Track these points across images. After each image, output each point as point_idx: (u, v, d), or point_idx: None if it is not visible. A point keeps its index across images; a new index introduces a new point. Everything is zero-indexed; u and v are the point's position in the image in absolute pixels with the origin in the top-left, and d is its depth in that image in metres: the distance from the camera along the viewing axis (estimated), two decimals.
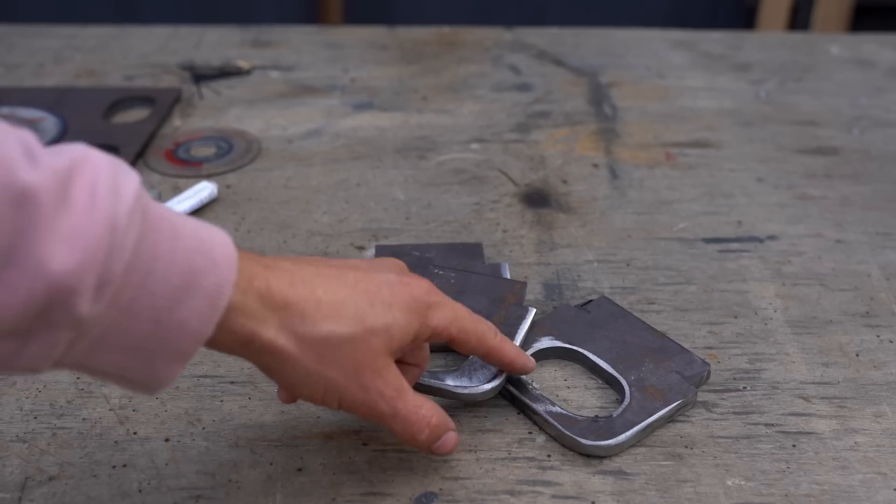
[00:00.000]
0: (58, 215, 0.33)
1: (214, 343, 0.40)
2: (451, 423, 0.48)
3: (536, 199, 0.75)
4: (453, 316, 0.46)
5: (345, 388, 0.43)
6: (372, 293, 0.44)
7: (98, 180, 0.35)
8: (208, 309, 0.38)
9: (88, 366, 0.37)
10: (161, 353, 0.38)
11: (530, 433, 0.52)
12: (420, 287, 0.46)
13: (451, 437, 0.47)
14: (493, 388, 0.52)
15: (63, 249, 0.33)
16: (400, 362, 0.48)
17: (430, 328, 0.46)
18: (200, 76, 0.97)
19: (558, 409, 0.52)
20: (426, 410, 0.46)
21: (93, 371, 0.38)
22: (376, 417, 0.45)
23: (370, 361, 0.43)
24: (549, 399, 0.52)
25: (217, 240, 0.39)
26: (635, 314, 0.59)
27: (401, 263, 0.49)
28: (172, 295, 0.37)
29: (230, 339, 0.40)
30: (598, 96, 0.93)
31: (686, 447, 0.51)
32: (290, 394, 0.46)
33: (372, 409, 0.44)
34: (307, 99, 0.92)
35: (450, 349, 0.57)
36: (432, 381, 0.51)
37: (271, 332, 0.40)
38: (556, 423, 0.51)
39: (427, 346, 0.51)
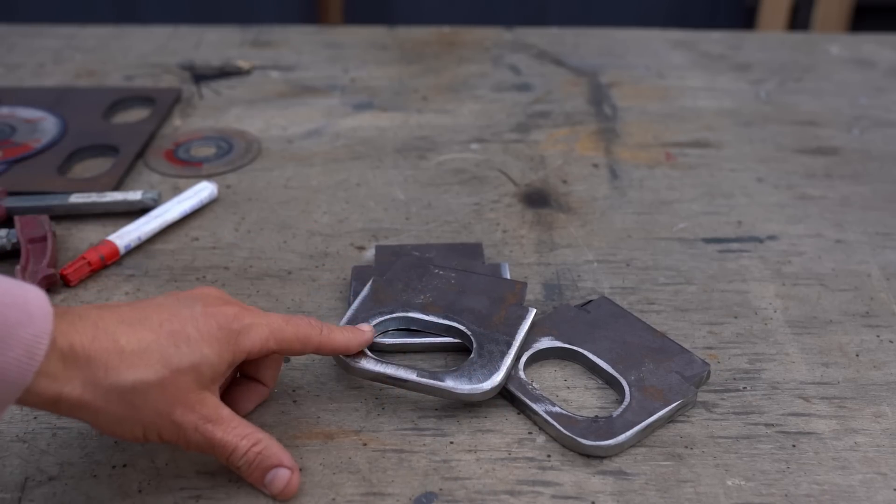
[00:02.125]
0: None
1: (25, 402, 0.41)
2: (284, 459, 0.47)
3: (536, 199, 0.75)
4: (268, 332, 0.47)
5: (160, 426, 0.44)
6: (177, 333, 0.44)
7: None
8: (26, 359, 0.39)
9: None
10: None
11: (530, 433, 0.52)
12: (226, 316, 0.46)
13: (282, 473, 0.47)
14: (492, 389, 0.52)
15: None
16: (249, 378, 0.51)
17: (245, 352, 0.47)
18: (200, 76, 0.97)
19: (558, 409, 0.52)
20: (248, 440, 0.46)
21: None
22: (196, 449, 0.46)
23: (182, 399, 0.44)
24: (549, 399, 0.52)
25: (31, 295, 0.40)
26: (635, 314, 0.59)
27: (214, 291, 0.49)
28: None
29: (37, 399, 0.41)
30: (598, 96, 0.93)
31: (686, 447, 0.51)
32: (110, 435, 0.46)
33: (188, 442, 0.45)
34: (307, 99, 0.92)
35: (449, 349, 0.57)
36: (432, 381, 0.52)
37: (77, 391, 0.41)
38: (556, 423, 0.51)
39: (276, 366, 0.52)
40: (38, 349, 0.39)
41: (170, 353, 0.44)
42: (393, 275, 0.60)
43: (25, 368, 0.39)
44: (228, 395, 0.51)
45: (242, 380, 0.52)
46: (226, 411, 0.46)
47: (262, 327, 0.47)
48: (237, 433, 0.46)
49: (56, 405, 0.42)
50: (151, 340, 0.43)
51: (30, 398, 0.41)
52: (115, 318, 0.44)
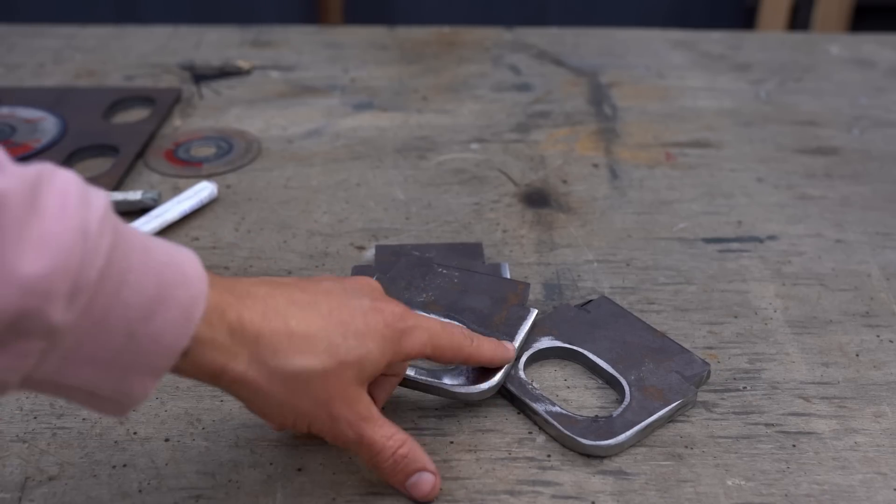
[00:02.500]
0: (27, 220, 0.33)
1: (185, 373, 0.39)
2: (428, 464, 0.47)
3: (536, 199, 0.75)
4: (427, 337, 0.47)
5: (314, 416, 0.44)
6: (345, 324, 0.43)
7: (68, 190, 0.35)
8: (183, 321, 0.37)
9: (60, 382, 0.36)
10: (135, 367, 0.37)
11: (530, 433, 0.52)
12: (394, 314, 0.45)
13: (426, 478, 0.47)
14: (490, 388, 0.52)
15: (34, 254, 0.33)
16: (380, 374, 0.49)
17: (404, 354, 0.46)
18: (200, 76, 0.97)
19: (558, 409, 0.52)
20: (394, 441, 0.46)
21: (64, 389, 0.37)
22: (342, 443, 0.45)
23: (341, 393, 0.43)
24: (549, 399, 0.52)
25: (185, 256, 0.39)
26: (635, 314, 0.59)
27: (375, 284, 0.48)
28: (146, 306, 0.36)
29: (200, 371, 0.40)
30: (598, 96, 0.93)
31: (686, 447, 0.51)
32: (260, 417, 0.45)
33: (338, 436, 0.45)
34: (307, 99, 0.92)
35: None
36: (430, 380, 0.51)
37: (242, 366, 0.40)
38: (556, 423, 0.51)
39: (391, 388, 0.51)
40: (194, 312, 0.38)
41: (337, 343, 0.43)
42: (396, 273, 0.60)
43: (181, 332, 0.37)
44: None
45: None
46: (376, 410, 0.45)
47: (422, 330, 0.47)
48: (384, 433, 0.45)
49: (218, 378, 0.40)
50: (320, 328, 0.42)
51: (190, 369, 0.39)
52: (285, 299, 0.42)
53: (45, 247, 0.33)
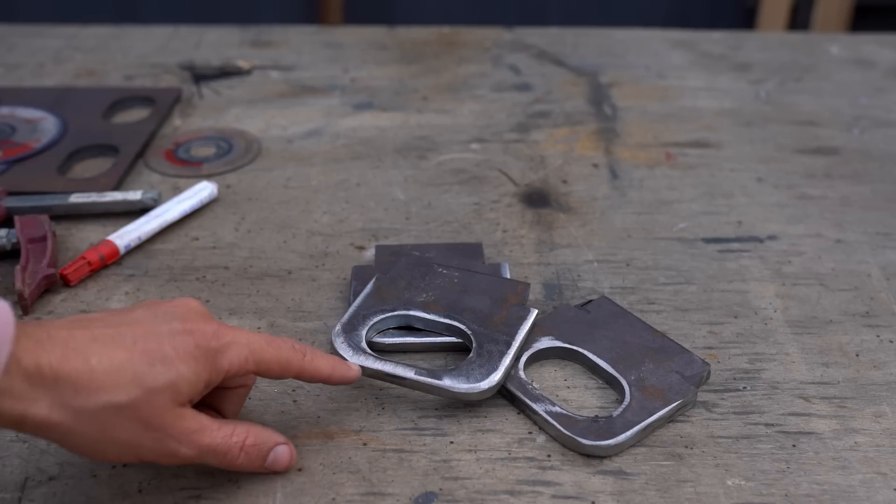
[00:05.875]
0: None
1: None
2: (277, 438, 0.48)
3: (536, 199, 0.75)
4: (248, 352, 0.46)
5: (138, 445, 0.43)
6: (152, 352, 0.42)
7: None
8: None
9: None
10: None
11: (530, 433, 0.52)
12: (204, 334, 0.44)
13: (281, 451, 0.48)
14: (490, 388, 0.52)
15: None
16: (222, 388, 0.49)
17: (223, 371, 0.45)
18: (200, 76, 0.97)
19: (558, 409, 0.52)
20: (237, 436, 0.46)
21: None
22: (184, 461, 0.45)
23: (158, 418, 0.43)
24: (549, 399, 0.52)
25: None
26: (635, 314, 0.59)
27: (193, 304, 0.47)
28: None
29: (1, 419, 0.40)
30: (598, 96, 0.93)
31: (686, 447, 0.51)
32: (83, 456, 0.44)
33: (174, 456, 0.44)
34: (307, 99, 0.92)
35: (450, 349, 0.57)
36: (430, 379, 0.52)
37: (44, 410, 0.40)
38: (556, 423, 0.51)
39: (240, 401, 0.50)
40: None
41: (143, 371, 0.42)
42: (396, 273, 0.60)
43: None
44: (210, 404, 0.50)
45: (218, 389, 0.50)
46: (205, 418, 0.45)
47: (241, 346, 0.45)
48: (224, 433, 0.45)
49: (20, 425, 0.40)
50: (124, 359, 0.42)
51: None
52: (86, 336, 0.42)
53: None
